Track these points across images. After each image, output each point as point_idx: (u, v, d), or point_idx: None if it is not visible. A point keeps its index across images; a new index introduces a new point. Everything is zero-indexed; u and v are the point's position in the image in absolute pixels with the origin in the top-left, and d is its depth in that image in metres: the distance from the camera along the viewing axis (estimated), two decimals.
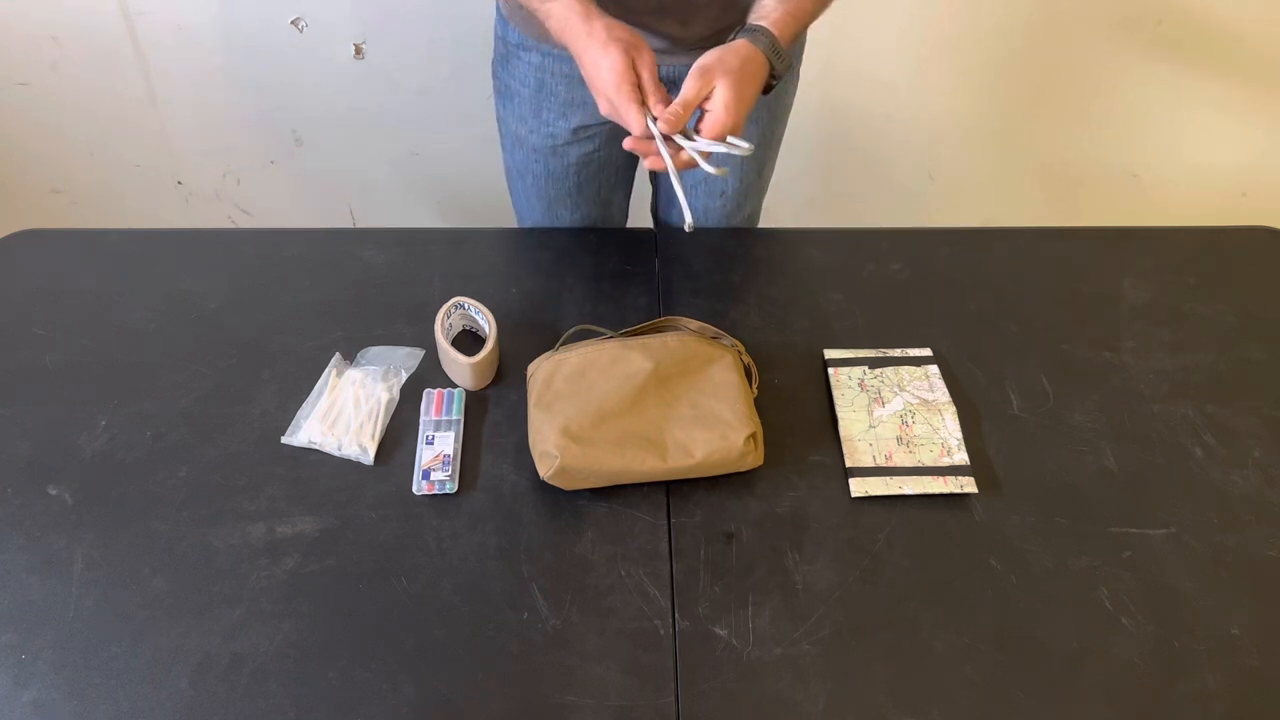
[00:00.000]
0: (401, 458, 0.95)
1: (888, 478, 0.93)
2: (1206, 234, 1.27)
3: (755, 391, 0.98)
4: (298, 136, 1.86)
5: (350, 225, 2.05)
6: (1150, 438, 0.99)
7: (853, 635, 0.82)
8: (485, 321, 1.04)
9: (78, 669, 0.79)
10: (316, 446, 0.96)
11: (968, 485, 0.93)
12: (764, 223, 1.37)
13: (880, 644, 0.82)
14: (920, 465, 0.94)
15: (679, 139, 0.84)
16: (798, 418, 1.00)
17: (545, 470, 0.89)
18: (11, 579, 0.85)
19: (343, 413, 0.98)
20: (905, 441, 0.97)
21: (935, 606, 0.84)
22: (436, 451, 0.95)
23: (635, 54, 0.85)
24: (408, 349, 1.06)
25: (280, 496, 0.91)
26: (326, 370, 1.02)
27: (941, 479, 0.93)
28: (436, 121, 1.83)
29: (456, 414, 0.99)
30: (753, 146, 0.85)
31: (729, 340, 1.01)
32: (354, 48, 1.70)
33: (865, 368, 1.04)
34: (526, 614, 0.83)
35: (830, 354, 1.06)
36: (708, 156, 0.85)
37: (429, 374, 1.04)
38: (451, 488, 0.92)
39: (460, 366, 1.00)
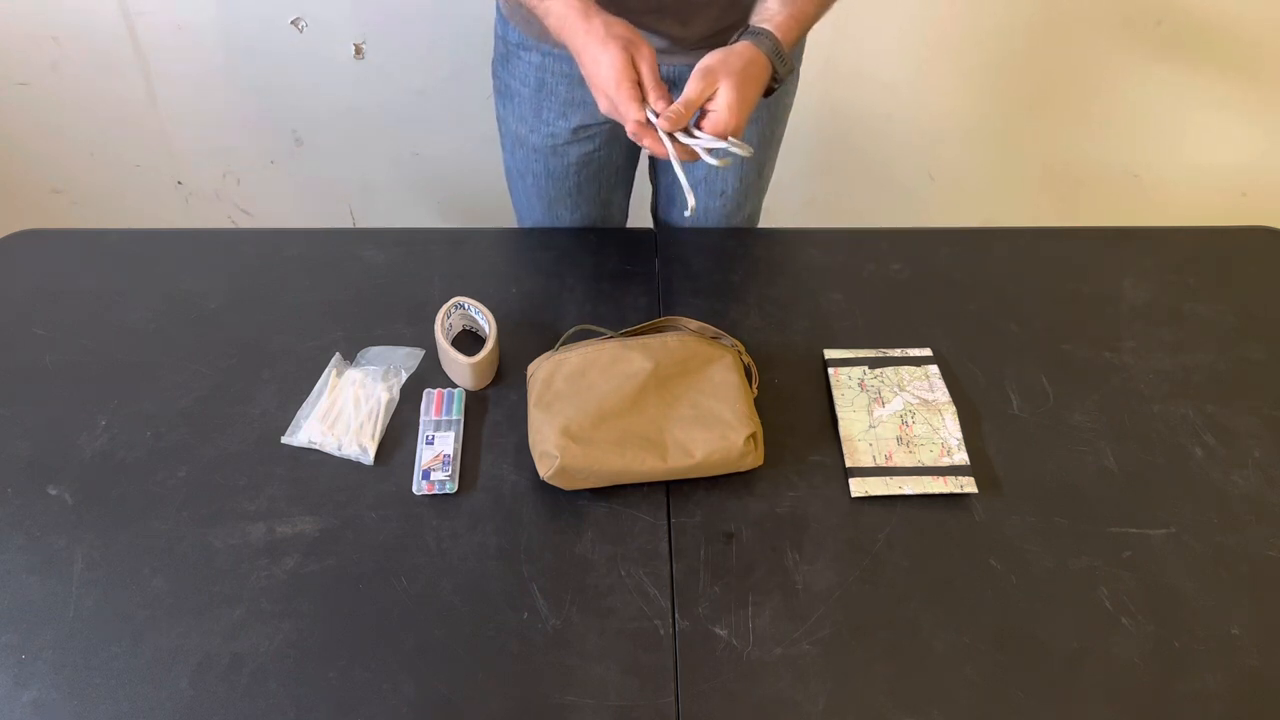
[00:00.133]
0: (401, 458, 0.95)
1: (888, 478, 0.93)
2: (1206, 234, 1.27)
3: (755, 391, 0.98)
4: (298, 136, 1.86)
5: (350, 225, 2.05)
6: (1150, 438, 0.99)
7: (853, 635, 0.82)
8: (485, 321, 1.04)
9: (78, 669, 0.79)
10: (316, 446, 0.96)
11: (968, 485, 0.93)
12: (764, 223, 1.37)
13: (880, 644, 0.82)
14: (920, 465, 0.94)
15: (680, 135, 0.85)
16: (798, 418, 1.00)
17: (545, 470, 0.89)
18: (11, 579, 0.85)
19: (343, 413, 0.98)
20: (905, 441, 0.97)
21: (935, 606, 0.84)
22: (436, 451, 0.95)
23: (634, 50, 0.85)
24: (408, 349, 1.06)
25: (280, 496, 0.91)
26: (326, 370, 1.02)
27: (941, 479, 0.93)
28: (436, 121, 1.83)
29: (456, 414, 0.99)
30: (753, 149, 0.86)
31: (729, 340, 1.01)
32: (354, 48, 1.71)
33: (865, 368, 1.04)
34: (526, 614, 0.83)
35: (830, 354, 1.06)
36: (708, 151, 0.85)
37: (429, 374, 1.04)
38: (451, 488, 0.92)
39: (460, 366, 1.00)
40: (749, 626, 0.83)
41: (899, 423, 0.98)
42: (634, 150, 1.28)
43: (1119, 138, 1.92)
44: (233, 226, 2.04)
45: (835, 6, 0.97)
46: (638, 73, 0.85)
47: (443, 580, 0.85)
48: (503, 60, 1.17)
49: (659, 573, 0.86)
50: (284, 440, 0.96)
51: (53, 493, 0.91)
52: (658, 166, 1.31)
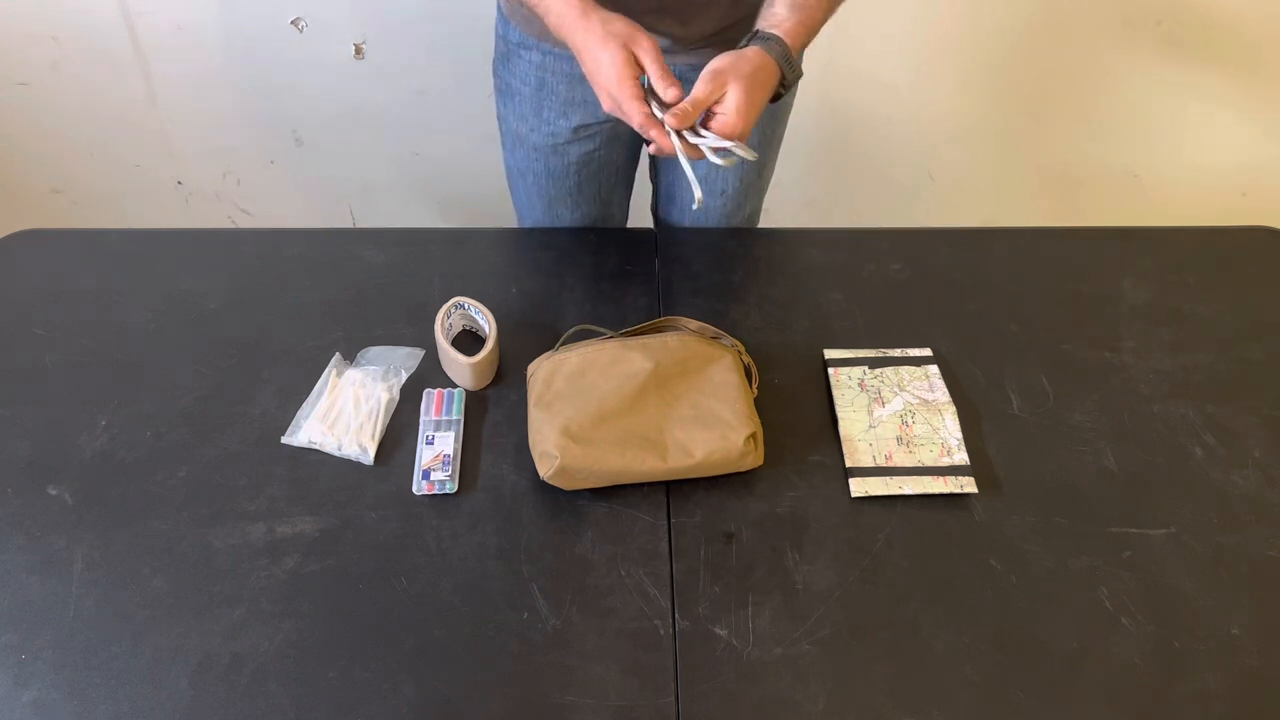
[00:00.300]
0: (401, 458, 0.95)
1: (888, 478, 0.93)
2: (1206, 234, 1.27)
3: (755, 391, 0.98)
4: (298, 136, 1.86)
5: (350, 225, 2.05)
6: (1150, 438, 0.99)
7: (853, 635, 0.82)
8: (485, 321, 1.04)
9: (78, 669, 0.79)
10: (316, 446, 0.96)
11: (968, 485, 0.93)
12: (764, 223, 1.37)
13: (880, 644, 0.82)
14: (920, 465, 0.94)
15: (687, 134, 0.85)
16: (798, 418, 1.00)
17: (545, 470, 0.89)
18: (11, 579, 0.85)
19: (343, 413, 0.98)
20: (905, 441, 0.97)
21: (935, 606, 0.84)
22: (436, 451, 0.95)
23: (634, 45, 0.84)
24: (408, 349, 1.06)
25: (280, 496, 0.91)
26: (326, 370, 1.02)
27: (941, 479, 0.93)
28: (436, 121, 1.83)
29: (456, 414, 0.99)
30: (757, 155, 0.86)
31: (729, 340, 1.01)
32: (354, 48, 1.71)
33: (865, 368, 1.04)
34: (526, 614, 0.83)
35: (830, 354, 1.06)
36: (714, 151, 0.85)
37: (429, 374, 1.04)
38: (451, 488, 0.92)
39: (460, 366, 1.00)
40: (749, 626, 0.83)
41: (899, 423, 0.98)
42: (635, 150, 1.28)
43: (1119, 138, 1.92)
44: (233, 226, 2.04)
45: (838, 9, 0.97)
46: (641, 66, 0.85)
47: (443, 580, 0.85)
48: (503, 59, 1.17)
49: (659, 573, 0.86)
50: (284, 440, 0.96)
51: (53, 493, 0.91)
52: (658, 166, 1.31)
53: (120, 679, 0.78)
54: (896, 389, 1.02)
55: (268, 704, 0.77)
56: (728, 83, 0.84)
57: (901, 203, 2.04)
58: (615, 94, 0.85)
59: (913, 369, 1.04)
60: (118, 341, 1.06)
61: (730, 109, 0.84)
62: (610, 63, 0.84)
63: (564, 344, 1.00)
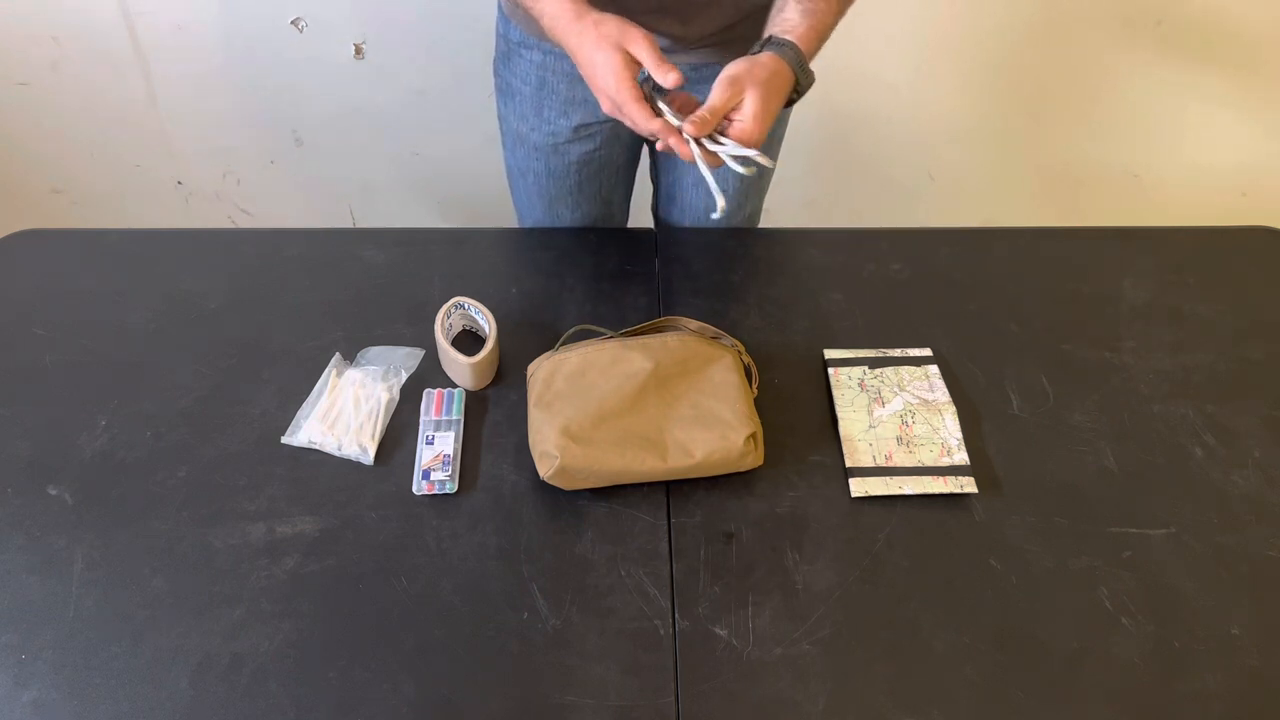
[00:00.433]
0: (401, 458, 0.95)
1: (888, 478, 0.93)
2: (1206, 234, 1.27)
3: (755, 391, 0.98)
4: (298, 136, 1.86)
5: (350, 225, 2.05)
6: (1150, 438, 0.99)
7: (853, 635, 0.82)
8: (485, 321, 1.04)
9: (78, 669, 0.79)
10: (316, 446, 0.96)
11: (968, 485, 0.93)
12: (764, 223, 1.37)
13: (880, 644, 0.82)
14: (920, 465, 0.94)
15: (705, 141, 0.84)
16: (798, 418, 1.00)
17: (545, 470, 0.89)
18: (11, 579, 0.85)
19: (343, 413, 0.98)
20: (905, 441, 0.97)
21: (935, 606, 0.84)
22: (436, 451, 0.95)
23: (627, 44, 0.84)
24: (408, 349, 1.06)
25: (280, 496, 0.91)
26: (326, 370, 1.02)
27: (941, 479, 0.93)
28: (436, 121, 1.83)
29: (456, 414, 0.99)
30: (774, 164, 0.85)
31: (729, 340, 1.01)
32: (354, 48, 1.71)
33: (865, 368, 1.04)
34: (526, 614, 0.83)
35: (830, 354, 1.06)
36: (734, 159, 0.85)
37: (429, 374, 1.04)
38: (451, 488, 0.92)
39: (460, 366, 1.00)
40: (749, 626, 0.83)
41: (899, 423, 0.98)
42: (635, 149, 1.28)
43: (1119, 138, 1.92)
44: (233, 226, 2.04)
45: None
46: (638, 64, 0.84)
47: (443, 580, 0.85)
48: (504, 59, 1.17)
49: (659, 573, 0.86)
50: (284, 440, 0.96)
51: (53, 493, 0.91)
52: (659, 166, 1.31)
53: (120, 679, 0.78)
54: (896, 389, 1.02)
55: (268, 704, 0.77)
56: (745, 89, 0.84)
57: (901, 203, 2.04)
58: (615, 97, 0.84)
59: (913, 369, 1.04)
60: (118, 341, 1.06)
61: (748, 115, 0.84)
62: (606, 66, 0.84)
63: (564, 344, 1.00)
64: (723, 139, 0.85)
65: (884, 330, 1.10)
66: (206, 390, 1.01)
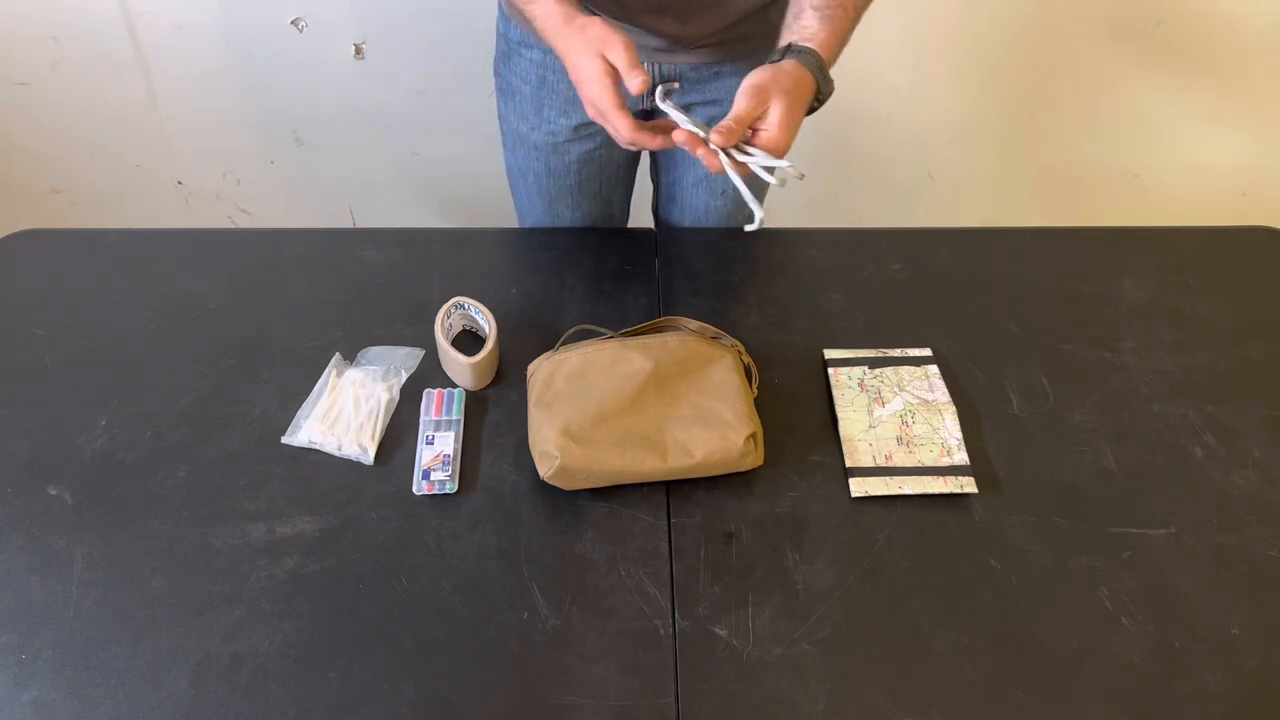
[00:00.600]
0: (401, 458, 0.95)
1: (888, 478, 0.93)
2: (1206, 234, 1.27)
3: (755, 391, 0.98)
4: (298, 136, 1.86)
5: (350, 225, 2.05)
6: (1150, 438, 0.99)
7: (853, 635, 0.82)
8: (485, 321, 1.04)
9: (78, 669, 0.79)
10: (316, 446, 0.96)
11: (968, 485, 0.93)
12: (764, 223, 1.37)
13: (880, 644, 0.82)
14: (920, 465, 0.94)
15: (733, 151, 0.84)
16: (798, 418, 1.00)
17: (545, 470, 0.89)
18: (11, 579, 0.85)
19: (343, 413, 0.98)
20: (905, 441, 0.97)
21: (935, 606, 0.84)
22: (436, 451, 0.95)
23: (605, 50, 0.83)
24: (408, 349, 1.06)
25: (280, 496, 0.91)
26: (326, 370, 1.02)
27: (941, 479, 0.93)
28: (436, 121, 1.83)
29: (456, 414, 0.99)
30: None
31: (729, 340, 1.01)
32: (354, 48, 1.71)
33: (865, 368, 1.04)
34: (526, 614, 0.83)
35: (830, 354, 1.06)
36: (765, 169, 0.84)
37: (429, 374, 1.04)
38: (451, 488, 0.92)
39: (460, 366, 1.00)
40: (749, 626, 0.83)
41: (899, 423, 0.98)
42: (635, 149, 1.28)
43: (1119, 138, 1.92)
44: (233, 226, 2.04)
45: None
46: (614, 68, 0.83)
47: (443, 580, 0.85)
48: (504, 58, 1.17)
49: (659, 573, 0.86)
50: (284, 440, 0.96)
51: (53, 493, 0.91)
52: (659, 166, 1.31)
53: (120, 679, 0.78)
54: (896, 389, 1.02)
55: (268, 704, 0.77)
56: (770, 98, 0.83)
57: (901, 203, 2.04)
58: (597, 104, 0.84)
59: (913, 369, 1.04)
60: (118, 341, 1.06)
61: (774, 124, 0.83)
62: (590, 71, 0.83)
63: (564, 344, 1.00)
64: (750, 149, 0.84)
65: (884, 330, 1.10)
66: (206, 390, 1.01)
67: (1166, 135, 1.91)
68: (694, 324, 1.01)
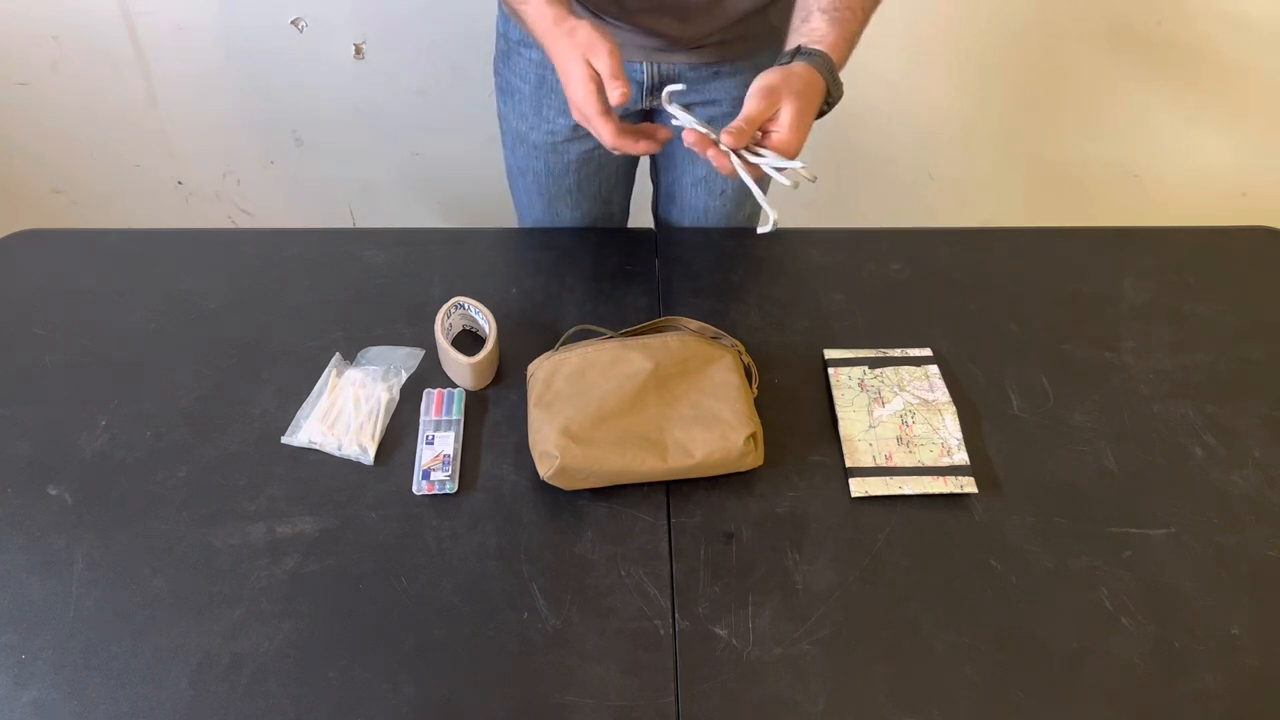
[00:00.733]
0: (401, 458, 0.95)
1: (888, 478, 0.93)
2: (1206, 234, 1.27)
3: (755, 391, 0.98)
4: (298, 136, 1.86)
5: (350, 225, 2.05)
6: (1150, 438, 0.99)
7: (853, 635, 0.82)
8: (485, 321, 1.04)
9: (78, 669, 0.79)
10: (316, 446, 0.96)
11: (968, 485, 0.93)
12: None
13: (880, 644, 0.82)
14: (920, 465, 0.94)
15: (743, 152, 0.83)
16: (798, 418, 1.00)
17: (545, 470, 0.89)
18: (11, 579, 0.85)
19: (343, 413, 0.98)
20: (905, 441, 0.97)
21: (935, 606, 0.84)
22: (436, 451, 0.95)
23: (591, 55, 0.83)
24: (408, 349, 1.06)
25: (280, 496, 0.91)
26: (326, 370, 1.02)
27: (941, 479, 0.93)
28: (436, 121, 1.83)
29: (456, 414, 0.99)
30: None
31: (729, 340, 1.01)
32: (354, 48, 1.71)
33: (865, 368, 1.04)
34: (526, 614, 0.83)
35: (830, 354, 1.06)
36: (777, 171, 0.83)
37: (429, 374, 1.04)
38: (451, 488, 0.92)
39: (460, 366, 1.00)
40: (749, 626, 0.83)
41: (899, 423, 0.98)
42: None
43: (1119, 138, 1.92)
44: (233, 226, 2.04)
45: None
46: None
47: (443, 580, 0.85)
48: (504, 57, 1.17)
49: (659, 573, 0.86)
50: (284, 440, 0.96)
51: (53, 493, 0.91)
52: (659, 166, 1.31)
53: (120, 679, 0.78)
54: (896, 389, 1.02)
55: (268, 704, 0.77)
56: (780, 99, 0.82)
57: (901, 203, 2.04)
58: (582, 108, 0.84)
59: (913, 369, 1.04)
60: (118, 341, 1.06)
61: (785, 126, 0.82)
62: (575, 76, 0.83)
63: (564, 344, 1.00)
64: (761, 150, 0.84)
65: (884, 330, 1.10)
66: (206, 390, 1.01)
67: (1166, 135, 1.91)
68: (694, 324, 1.01)
